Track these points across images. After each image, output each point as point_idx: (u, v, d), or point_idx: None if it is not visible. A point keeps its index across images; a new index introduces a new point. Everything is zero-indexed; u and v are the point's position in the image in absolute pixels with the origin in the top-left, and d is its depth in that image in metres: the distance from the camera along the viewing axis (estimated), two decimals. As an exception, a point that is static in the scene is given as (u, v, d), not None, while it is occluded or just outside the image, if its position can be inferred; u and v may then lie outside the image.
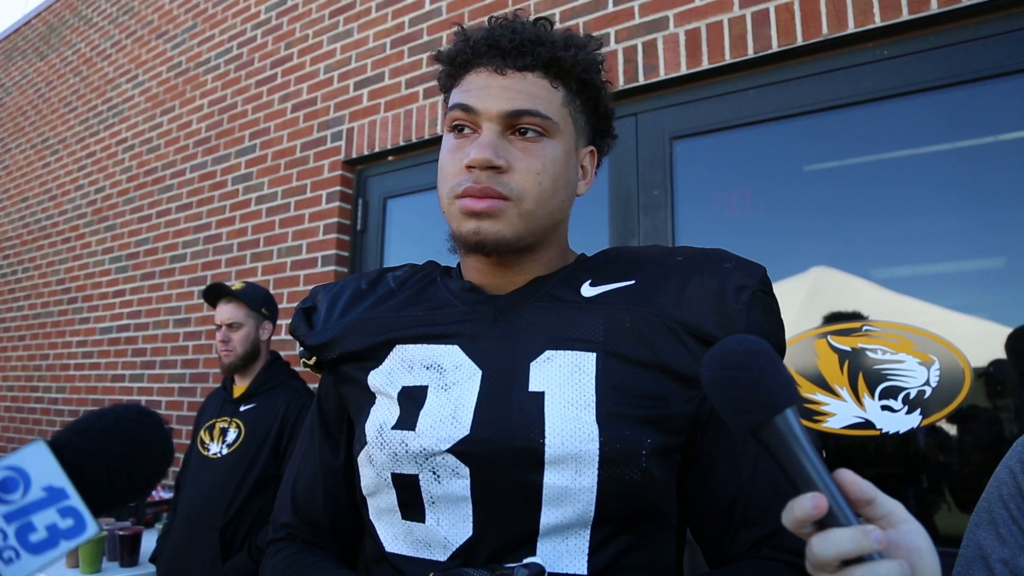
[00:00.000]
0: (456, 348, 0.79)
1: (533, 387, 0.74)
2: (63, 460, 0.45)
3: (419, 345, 0.81)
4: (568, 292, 0.81)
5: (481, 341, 0.79)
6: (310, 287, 3.05)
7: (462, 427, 0.73)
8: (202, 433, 2.38)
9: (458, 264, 0.91)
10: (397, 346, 0.82)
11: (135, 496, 0.49)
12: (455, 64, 0.84)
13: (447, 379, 0.78)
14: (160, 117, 4.12)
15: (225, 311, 2.41)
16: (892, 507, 0.50)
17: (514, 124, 0.78)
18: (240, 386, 2.43)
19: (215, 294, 2.46)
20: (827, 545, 0.48)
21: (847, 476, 0.50)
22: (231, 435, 2.29)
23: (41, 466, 0.44)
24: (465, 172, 0.77)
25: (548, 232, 0.83)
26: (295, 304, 3.09)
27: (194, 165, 3.81)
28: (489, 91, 0.79)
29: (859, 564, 0.47)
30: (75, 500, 0.44)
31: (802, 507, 0.49)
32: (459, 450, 0.73)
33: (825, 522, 0.49)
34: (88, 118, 4.74)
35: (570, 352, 0.75)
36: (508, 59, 0.80)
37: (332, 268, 3.01)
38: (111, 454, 0.47)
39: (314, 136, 3.23)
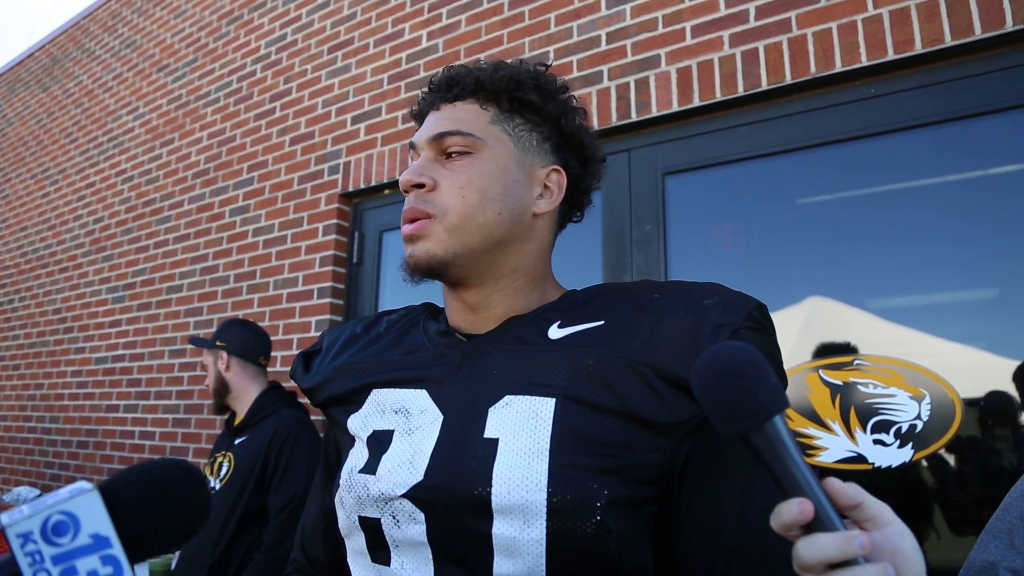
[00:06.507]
0: (424, 392, 0.80)
1: (488, 433, 0.72)
2: (111, 510, 0.46)
3: (391, 389, 0.83)
4: (535, 334, 0.79)
5: (446, 386, 0.79)
6: (306, 319, 3.06)
7: (417, 472, 0.73)
8: (205, 468, 2.40)
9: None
10: (374, 390, 0.84)
11: (166, 550, 0.50)
12: (417, 118, 0.94)
13: (412, 424, 0.78)
14: (159, 149, 4.16)
15: None
16: (878, 509, 0.51)
17: (442, 147, 0.83)
18: (239, 418, 2.42)
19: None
20: (812, 550, 0.49)
21: (834, 483, 0.51)
22: (223, 469, 2.26)
23: (91, 514, 0.45)
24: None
25: (498, 252, 0.82)
26: (292, 336, 3.11)
27: (192, 197, 3.84)
28: (426, 126, 0.87)
29: (844, 568, 0.48)
30: (117, 550, 0.45)
31: (788, 512, 0.50)
32: (414, 496, 0.73)
33: (812, 526, 0.50)
34: (88, 149, 4.78)
35: (529, 397, 0.73)
36: (442, 95, 0.89)
37: (328, 300, 3.02)
38: (156, 509, 0.49)
39: (311, 169, 3.27)
